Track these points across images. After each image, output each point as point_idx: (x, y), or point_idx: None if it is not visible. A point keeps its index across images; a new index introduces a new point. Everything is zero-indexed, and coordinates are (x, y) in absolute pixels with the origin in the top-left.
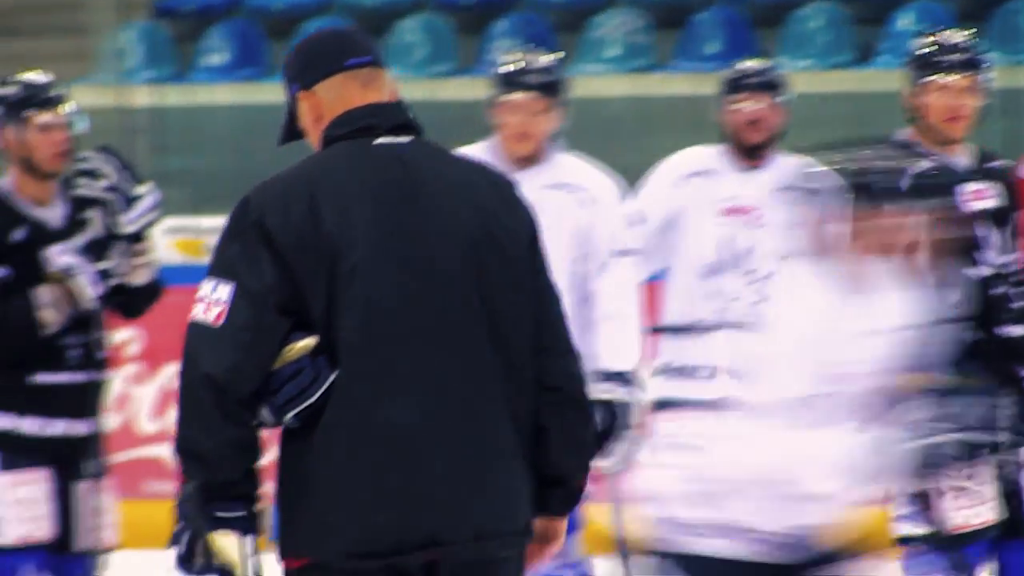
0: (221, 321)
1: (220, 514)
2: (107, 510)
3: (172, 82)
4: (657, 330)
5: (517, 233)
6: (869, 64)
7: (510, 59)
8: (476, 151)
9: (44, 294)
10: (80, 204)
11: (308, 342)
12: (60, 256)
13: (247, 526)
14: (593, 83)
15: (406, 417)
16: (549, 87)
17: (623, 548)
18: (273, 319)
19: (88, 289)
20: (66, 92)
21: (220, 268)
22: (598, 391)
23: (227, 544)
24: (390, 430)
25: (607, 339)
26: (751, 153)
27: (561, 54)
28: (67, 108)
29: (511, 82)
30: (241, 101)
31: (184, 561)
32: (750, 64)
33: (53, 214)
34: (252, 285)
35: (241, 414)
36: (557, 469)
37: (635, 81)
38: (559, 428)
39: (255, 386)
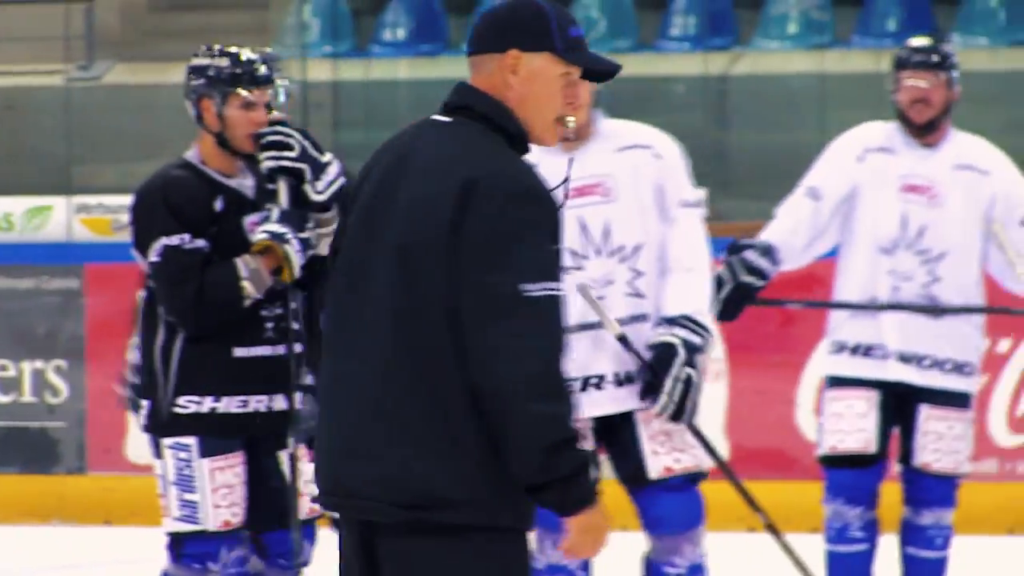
0: None
1: None
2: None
3: (350, 56)
4: (829, 306)
5: (453, 231)
6: None
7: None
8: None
9: (246, 264)
10: (266, 175)
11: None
12: (266, 225)
13: None
14: (772, 59)
15: (326, 377)
16: None
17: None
18: None
19: (298, 257)
20: (276, 70)
21: None
22: (656, 334)
23: None
24: (325, 385)
25: (672, 287)
26: (920, 131)
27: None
28: (272, 89)
29: None
30: (419, 76)
31: None
32: (919, 41)
33: (244, 184)
34: None
35: None
36: (512, 473)
37: (814, 57)
38: (494, 435)
39: None
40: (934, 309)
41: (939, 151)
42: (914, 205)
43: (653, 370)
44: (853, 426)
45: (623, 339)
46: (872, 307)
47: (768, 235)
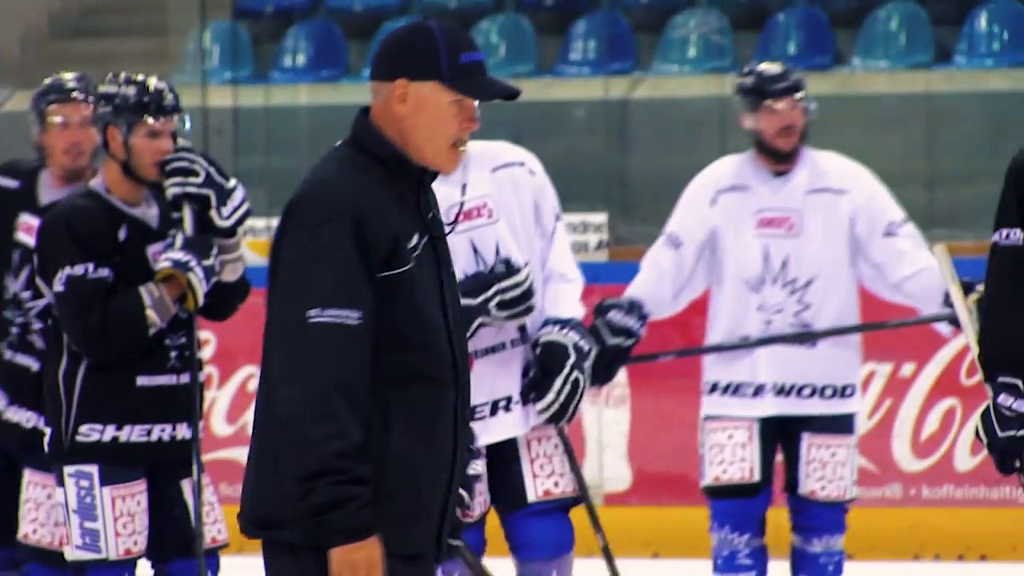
0: None
1: None
2: (215, 507)
3: (251, 83)
4: (703, 351)
5: (274, 255)
6: (947, 64)
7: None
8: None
9: (150, 292)
10: (171, 202)
11: None
12: (169, 253)
13: None
14: (673, 83)
15: None
16: None
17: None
18: None
19: (202, 285)
20: (177, 99)
21: None
22: (545, 333)
23: None
24: None
25: (552, 295)
26: (783, 160)
27: None
28: (176, 118)
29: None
30: (320, 102)
31: None
32: (771, 67)
33: (148, 213)
34: None
35: None
36: None
37: (714, 81)
38: None
39: None
40: (805, 336)
41: (793, 178)
42: (774, 238)
43: (543, 367)
44: (735, 456)
45: (522, 329)
46: (744, 346)
47: (633, 289)
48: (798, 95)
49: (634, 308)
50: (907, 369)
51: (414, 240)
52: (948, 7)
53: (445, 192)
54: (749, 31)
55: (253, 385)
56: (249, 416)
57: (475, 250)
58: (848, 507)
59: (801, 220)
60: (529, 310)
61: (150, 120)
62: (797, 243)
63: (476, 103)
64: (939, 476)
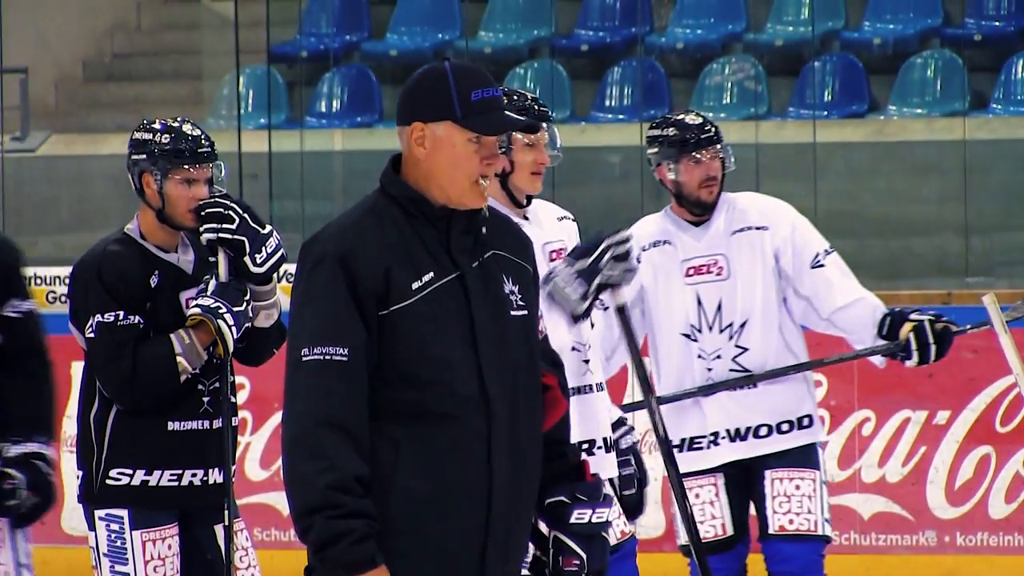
0: None
1: None
2: (249, 552)
3: (285, 128)
4: (662, 401)
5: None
6: (983, 111)
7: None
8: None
9: (181, 339)
10: (206, 247)
11: None
12: (200, 299)
13: None
14: None
15: None
16: None
17: None
18: None
19: (232, 331)
20: (213, 146)
21: None
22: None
23: None
24: None
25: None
26: (706, 210)
27: None
28: (212, 165)
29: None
30: (354, 147)
31: None
32: (691, 118)
33: (183, 259)
34: None
35: None
36: None
37: (749, 128)
38: None
39: None
40: (745, 380)
41: (714, 223)
42: (704, 284)
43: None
44: (704, 514)
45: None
46: (691, 395)
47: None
48: (719, 146)
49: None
50: (942, 416)
51: (426, 278)
52: (984, 55)
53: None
54: (784, 77)
55: None
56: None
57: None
58: (824, 550)
59: (728, 263)
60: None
61: (186, 168)
62: (728, 286)
63: (496, 140)
64: (974, 523)
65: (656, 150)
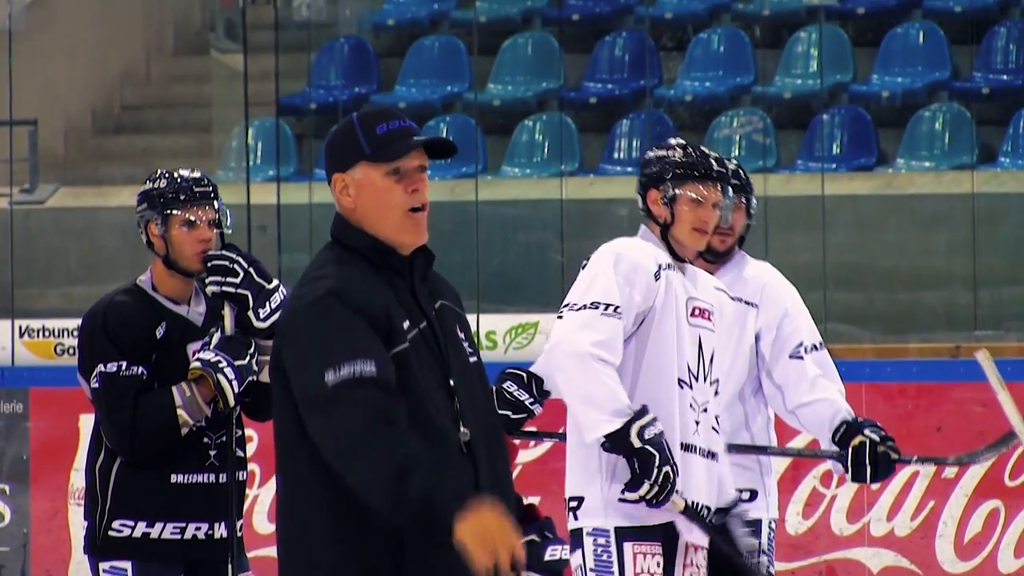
0: None
1: None
2: None
3: (294, 180)
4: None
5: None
6: (992, 165)
7: None
8: None
9: (182, 392)
10: (214, 300)
11: None
12: (202, 353)
13: None
14: None
15: None
16: None
17: None
18: None
19: (233, 386)
20: (214, 187)
21: None
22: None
23: None
24: None
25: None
26: (715, 256)
27: None
28: (215, 206)
29: None
30: None
31: None
32: (705, 149)
33: (194, 310)
34: None
35: None
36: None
37: (757, 181)
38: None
39: None
40: (759, 449)
41: (717, 271)
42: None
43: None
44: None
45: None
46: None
47: (538, 365)
48: (731, 191)
49: (534, 382)
50: (950, 470)
51: (406, 324)
52: (992, 108)
53: (685, 283)
54: (793, 130)
55: None
56: None
57: (700, 346)
58: None
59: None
60: None
61: (183, 210)
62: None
63: (419, 166)
64: None
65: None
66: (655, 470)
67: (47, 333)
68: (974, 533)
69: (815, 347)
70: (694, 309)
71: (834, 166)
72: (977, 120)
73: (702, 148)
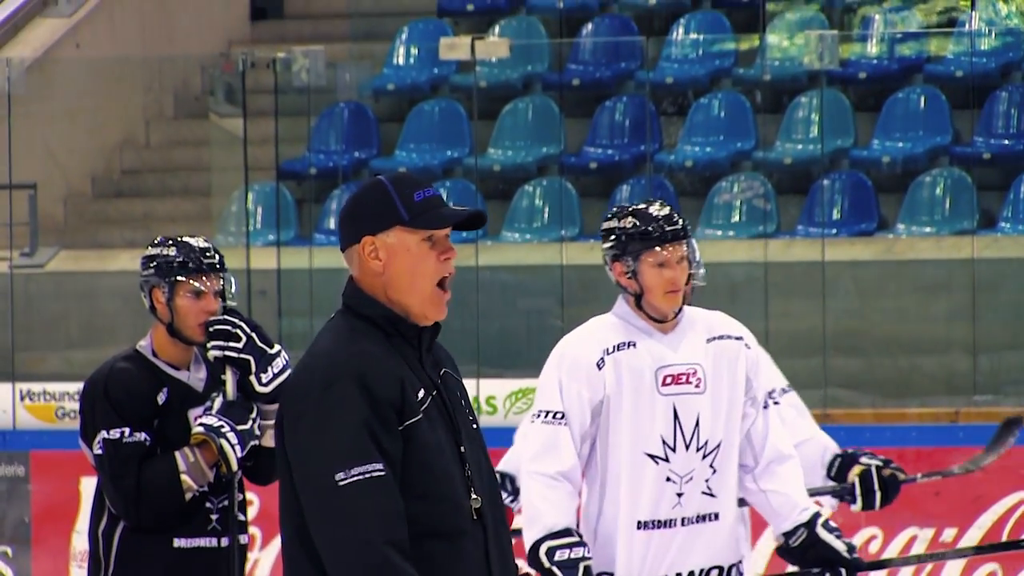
0: None
1: None
2: None
3: (294, 244)
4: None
5: (281, 432)
6: (992, 230)
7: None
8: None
9: (185, 457)
10: (215, 365)
11: None
12: (204, 418)
13: None
14: (716, 247)
15: None
16: None
17: None
18: None
19: (235, 451)
20: (222, 259)
21: None
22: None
23: None
24: None
25: (784, 477)
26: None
27: None
28: (221, 277)
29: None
30: None
31: None
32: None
33: (194, 376)
34: None
35: None
36: None
37: (758, 246)
38: None
39: None
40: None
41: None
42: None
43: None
44: None
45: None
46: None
47: (509, 463)
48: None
49: (506, 481)
50: (948, 534)
51: (420, 394)
52: (993, 173)
53: (658, 351)
54: (793, 196)
55: None
56: None
57: (676, 415)
58: None
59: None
60: None
61: (192, 279)
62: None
63: (447, 234)
64: None
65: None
66: None
67: (48, 397)
68: None
69: (783, 390)
70: (665, 378)
71: (835, 231)
72: (978, 185)
73: (648, 209)
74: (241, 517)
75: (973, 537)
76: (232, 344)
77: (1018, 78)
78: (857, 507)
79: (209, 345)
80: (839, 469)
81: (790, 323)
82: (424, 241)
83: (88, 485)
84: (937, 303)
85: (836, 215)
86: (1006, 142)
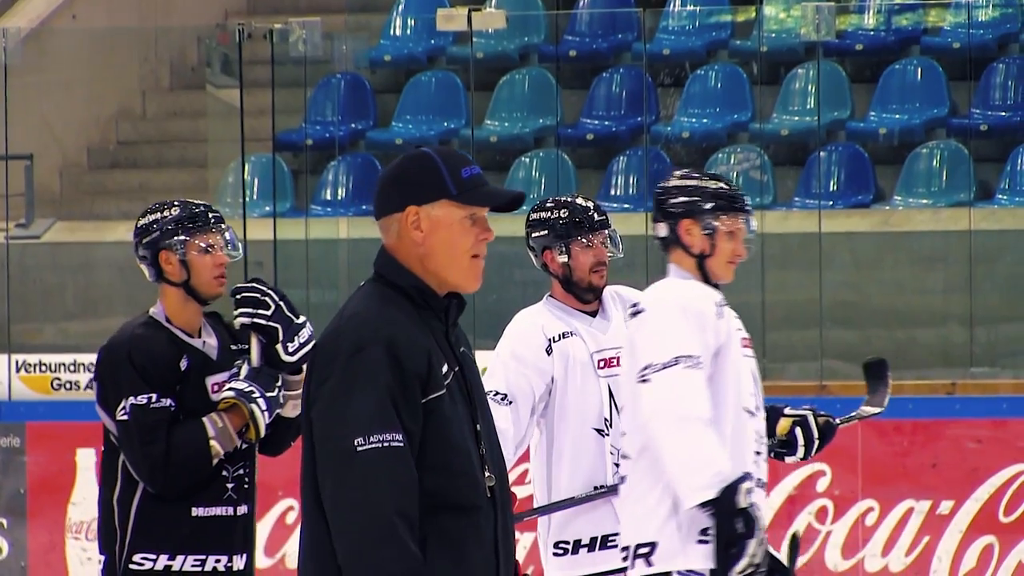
0: None
1: None
2: None
3: (290, 216)
4: (549, 508)
5: (307, 395)
6: (989, 202)
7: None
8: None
9: (214, 423)
10: (239, 332)
11: None
12: (234, 383)
13: None
14: None
15: None
16: None
17: None
18: None
19: (265, 416)
20: (220, 215)
21: None
22: None
23: None
24: None
25: None
26: (596, 294)
27: None
28: (227, 231)
29: None
30: (359, 236)
31: None
32: (580, 200)
33: (209, 343)
34: None
35: None
36: None
37: (754, 217)
38: None
39: None
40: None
41: (612, 313)
42: (613, 378)
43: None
44: None
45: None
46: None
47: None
48: (608, 230)
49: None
50: (945, 506)
51: (444, 368)
52: (990, 145)
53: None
54: (790, 167)
55: (291, 518)
56: (288, 548)
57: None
58: None
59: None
60: None
61: (205, 236)
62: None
63: (486, 215)
64: None
65: (544, 233)
66: (757, 531)
67: (44, 368)
68: (968, 569)
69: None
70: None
71: (831, 203)
72: (975, 157)
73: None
74: (253, 486)
75: (970, 509)
76: (261, 311)
77: (1015, 50)
78: (796, 457)
79: (237, 312)
80: (767, 424)
81: (786, 295)
82: (467, 218)
83: (84, 456)
84: (934, 275)
85: (833, 187)
86: (1003, 114)
